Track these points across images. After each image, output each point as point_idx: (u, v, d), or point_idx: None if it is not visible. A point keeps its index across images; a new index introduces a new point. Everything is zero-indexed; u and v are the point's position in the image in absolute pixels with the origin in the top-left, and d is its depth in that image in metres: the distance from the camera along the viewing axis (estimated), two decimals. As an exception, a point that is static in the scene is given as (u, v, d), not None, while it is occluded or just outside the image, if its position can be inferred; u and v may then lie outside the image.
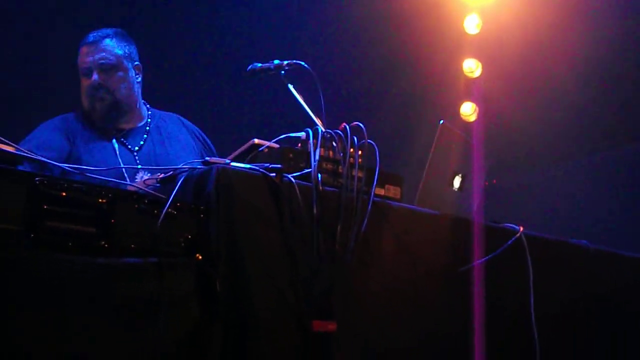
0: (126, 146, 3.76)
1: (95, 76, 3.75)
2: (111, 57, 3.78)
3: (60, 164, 2.59)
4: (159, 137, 3.87)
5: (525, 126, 7.64)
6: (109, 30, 3.85)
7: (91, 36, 3.81)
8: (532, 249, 3.19)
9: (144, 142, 3.81)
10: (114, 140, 3.73)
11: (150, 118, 3.94)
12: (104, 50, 3.79)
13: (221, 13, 6.57)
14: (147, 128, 3.89)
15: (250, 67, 3.56)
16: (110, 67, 3.77)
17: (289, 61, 3.45)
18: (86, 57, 3.79)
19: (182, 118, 4.09)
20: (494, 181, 9.31)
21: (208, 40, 6.52)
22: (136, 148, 3.76)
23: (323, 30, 6.93)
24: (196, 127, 4.08)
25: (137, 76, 3.90)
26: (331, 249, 2.47)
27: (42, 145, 3.52)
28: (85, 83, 3.79)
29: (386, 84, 7.36)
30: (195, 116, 4.14)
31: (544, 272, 3.24)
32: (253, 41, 6.41)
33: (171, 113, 4.10)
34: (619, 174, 8.37)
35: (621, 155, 8.45)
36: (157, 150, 3.79)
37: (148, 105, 4.00)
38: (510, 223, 3.29)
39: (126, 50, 3.84)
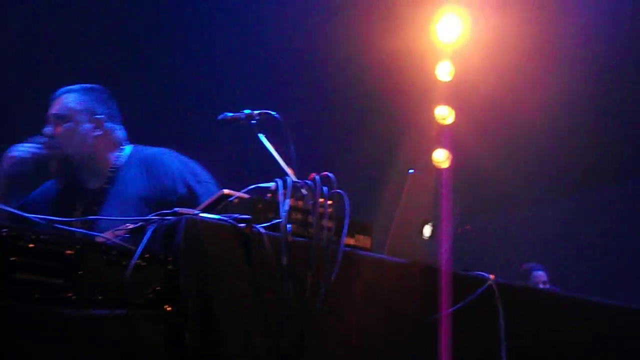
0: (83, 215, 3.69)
1: (48, 128, 3.80)
2: (63, 110, 3.82)
3: (29, 215, 2.57)
4: (115, 199, 3.79)
5: (497, 171, 7.71)
6: (77, 86, 3.89)
7: (57, 92, 3.86)
8: (503, 297, 3.19)
9: (99, 208, 3.76)
10: (77, 210, 3.71)
11: (114, 170, 3.87)
12: (59, 104, 3.84)
13: (191, 62, 6.60)
14: (107, 186, 3.84)
15: (221, 116, 3.55)
16: (61, 119, 3.80)
17: (260, 111, 3.45)
18: (48, 112, 3.84)
19: (152, 154, 3.95)
20: (468, 227, 9.38)
21: (178, 89, 6.54)
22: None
23: (294, 79, 6.97)
24: (161, 162, 3.90)
25: (95, 130, 3.86)
26: (302, 298, 2.47)
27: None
28: None
29: (358, 132, 7.40)
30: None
31: (516, 321, 3.23)
32: (224, 90, 6.43)
33: (147, 152, 3.98)
34: (590, 218, 8.46)
35: (593, 199, 8.54)
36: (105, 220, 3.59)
37: (122, 153, 3.92)
38: (483, 268, 3.29)
39: (86, 105, 3.84)
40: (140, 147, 4.01)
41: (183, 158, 3.95)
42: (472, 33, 7.16)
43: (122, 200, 3.75)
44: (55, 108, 3.83)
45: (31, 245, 2.03)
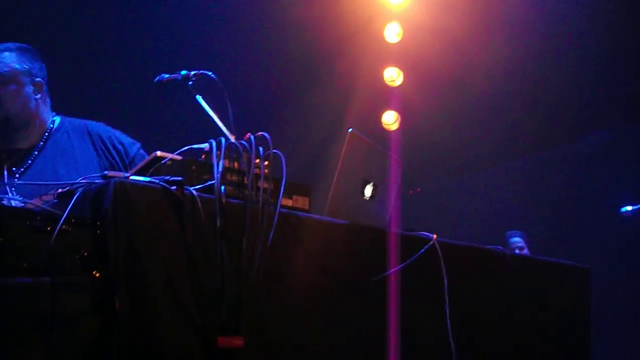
0: (11, 171, 3.65)
1: None
2: (6, 70, 3.68)
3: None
4: (53, 154, 3.73)
5: (446, 133, 7.70)
6: (12, 44, 3.75)
7: None
8: (447, 257, 3.15)
9: (32, 162, 3.70)
10: (5, 167, 3.64)
11: (49, 132, 3.81)
12: (0, 62, 3.70)
13: (126, 22, 6.47)
14: (41, 143, 3.76)
15: (157, 78, 3.49)
16: (4, 80, 3.66)
17: (196, 71, 3.38)
18: None
19: (90, 125, 3.91)
20: (418, 190, 9.39)
21: (117, 49, 6.42)
22: (22, 170, 3.65)
23: (237, 38, 6.88)
24: (107, 132, 3.89)
25: (36, 93, 3.77)
26: (237, 263, 2.41)
27: None
28: None
29: (304, 93, 7.33)
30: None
31: (460, 280, 3.20)
32: (161, 50, 6.31)
33: (80, 121, 3.93)
34: (535, 180, 8.52)
35: (538, 162, 8.59)
36: (44, 171, 3.64)
37: (55, 119, 3.86)
38: (427, 231, 3.25)
39: (26, 66, 3.72)
40: (67, 117, 3.93)
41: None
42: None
43: (68, 159, 3.72)
44: None
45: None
